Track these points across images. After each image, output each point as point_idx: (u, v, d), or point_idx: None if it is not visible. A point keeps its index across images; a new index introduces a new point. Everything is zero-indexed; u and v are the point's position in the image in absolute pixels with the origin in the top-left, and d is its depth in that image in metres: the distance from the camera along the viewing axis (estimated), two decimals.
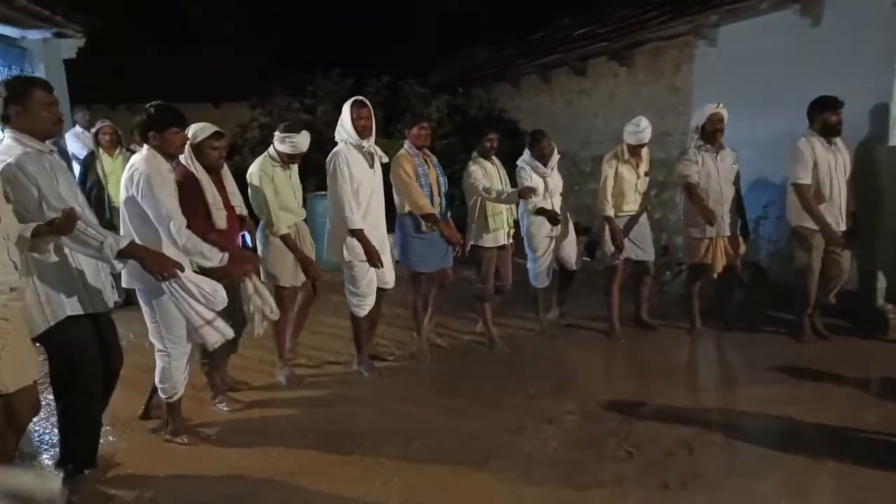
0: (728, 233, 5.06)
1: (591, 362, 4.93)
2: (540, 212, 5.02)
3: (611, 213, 5.15)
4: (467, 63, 12.21)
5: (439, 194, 4.69)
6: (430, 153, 4.77)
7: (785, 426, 3.70)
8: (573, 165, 9.06)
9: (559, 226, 5.13)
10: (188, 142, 3.57)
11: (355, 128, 4.23)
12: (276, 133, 4.31)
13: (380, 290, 4.54)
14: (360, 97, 4.35)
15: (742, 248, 5.15)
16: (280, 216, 4.20)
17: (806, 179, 4.78)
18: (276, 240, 4.22)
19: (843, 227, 4.84)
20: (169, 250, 3.22)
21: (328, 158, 4.29)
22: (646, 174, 5.26)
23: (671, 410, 3.89)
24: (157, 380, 3.53)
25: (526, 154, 5.21)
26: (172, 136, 3.32)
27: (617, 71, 8.31)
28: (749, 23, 6.25)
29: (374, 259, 4.26)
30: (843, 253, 4.86)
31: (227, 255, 3.37)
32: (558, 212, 5.11)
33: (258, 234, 4.35)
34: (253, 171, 4.26)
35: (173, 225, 3.20)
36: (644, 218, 5.32)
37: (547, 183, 5.15)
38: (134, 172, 3.23)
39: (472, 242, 5.01)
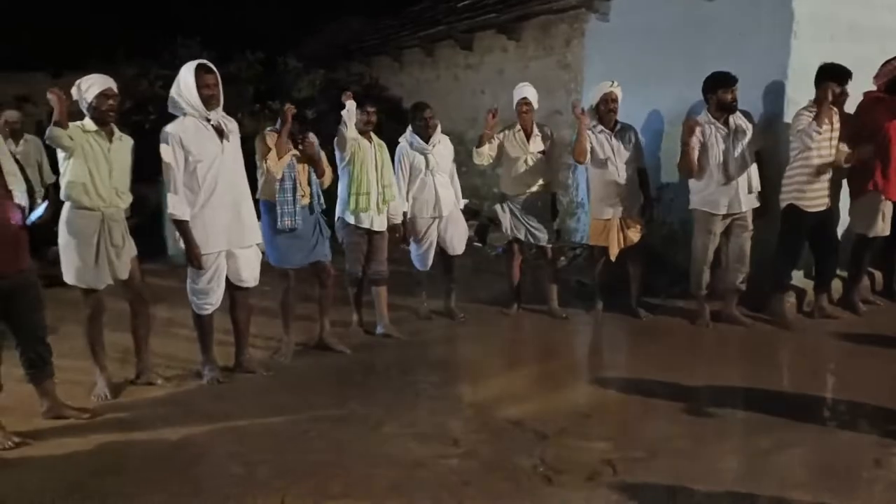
0: (622, 215, 4.87)
1: (492, 360, 4.50)
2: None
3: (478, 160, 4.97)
4: (345, 34, 11.41)
5: (308, 183, 4.16)
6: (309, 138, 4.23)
7: (713, 433, 3.36)
8: (460, 145, 8.50)
9: (443, 207, 4.85)
10: None
11: (201, 97, 3.56)
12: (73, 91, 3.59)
13: (237, 289, 3.95)
14: (204, 61, 3.70)
15: (638, 232, 4.93)
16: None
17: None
18: (73, 227, 3.52)
19: (742, 209, 4.70)
20: None
21: (161, 134, 3.63)
22: (542, 152, 4.96)
23: (585, 419, 3.51)
24: None
25: (408, 129, 4.84)
26: None
27: (505, 45, 7.90)
28: None
29: (192, 256, 3.65)
30: (743, 236, 4.75)
31: None
32: (440, 191, 4.80)
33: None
34: None
35: None
36: (541, 200, 5.05)
37: (428, 160, 4.78)
38: None
39: (337, 216, 4.61)
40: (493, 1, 7.65)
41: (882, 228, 4.93)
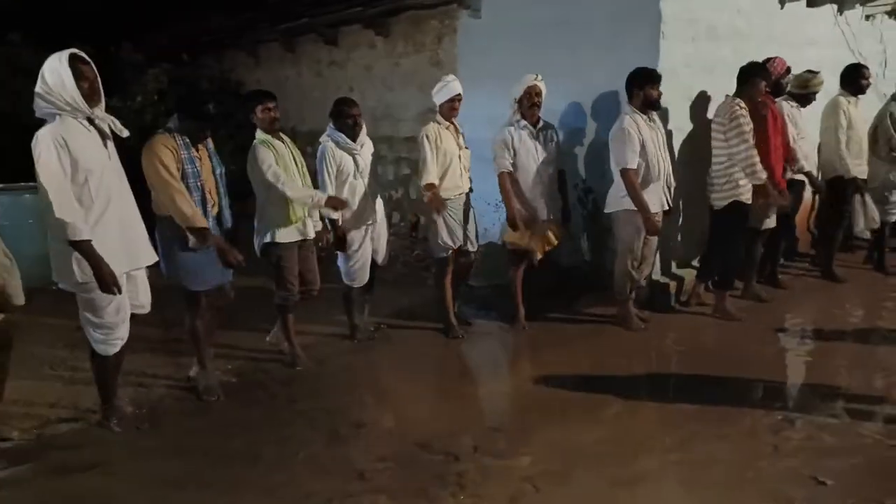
0: (546, 217, 4.72)
1: (390, 378, 4.22)
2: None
3: (435, 180, 4.46)
4: (197, 26, 10.54)
5: (218, 194, 3.63)
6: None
7: (625, 433, 3.33)
8: None
9: (376, 212, 4.48)
10: None
11: (81, 91, 2.98)
12: None
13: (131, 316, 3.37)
14: (76, 50, 3.06)
15: (557, 235, 4.79)
16: None
17: (633, 164, 4.49)
18: None
19: (668, 207, 4.72)
20: None
21: (34, 141, 2.97)
22: (465, 147, 4.70)
23: (502, 436, 3.33)
24: None
25: (329, 127, 4.36)
26: None
27: (373, 41, 7.61)
28: None
29: (107, 283, 3.01)
30: (654, 237, 4.72)
31: None
32: (368, 195, 4.42)
33: None
34: None
35: None
36: (469, 203, 4.79)
37: (357, 161, 4.34)
38: None
39: (264, 240, 4.04)
40: None
41: (772, 222, 5.19)
